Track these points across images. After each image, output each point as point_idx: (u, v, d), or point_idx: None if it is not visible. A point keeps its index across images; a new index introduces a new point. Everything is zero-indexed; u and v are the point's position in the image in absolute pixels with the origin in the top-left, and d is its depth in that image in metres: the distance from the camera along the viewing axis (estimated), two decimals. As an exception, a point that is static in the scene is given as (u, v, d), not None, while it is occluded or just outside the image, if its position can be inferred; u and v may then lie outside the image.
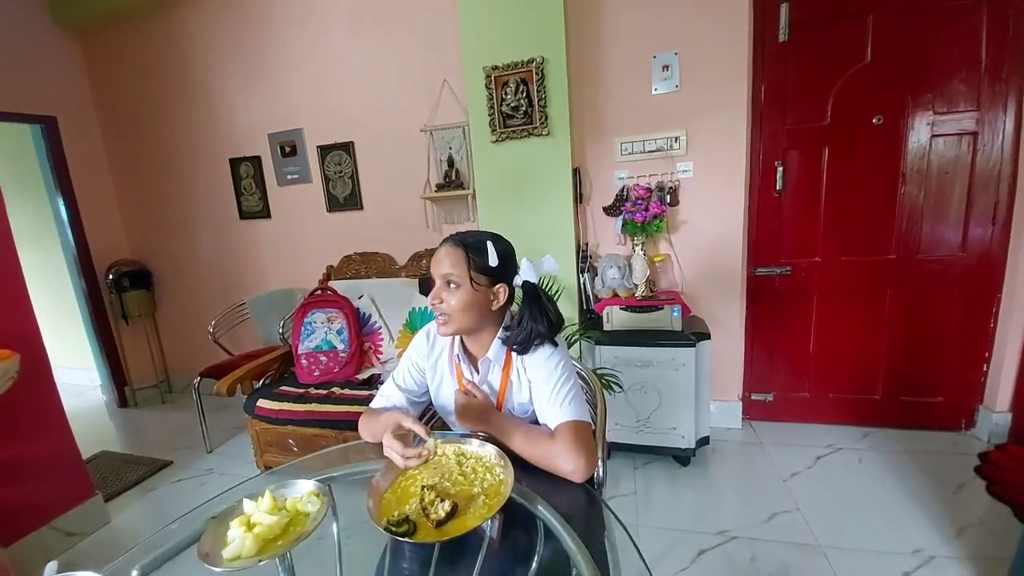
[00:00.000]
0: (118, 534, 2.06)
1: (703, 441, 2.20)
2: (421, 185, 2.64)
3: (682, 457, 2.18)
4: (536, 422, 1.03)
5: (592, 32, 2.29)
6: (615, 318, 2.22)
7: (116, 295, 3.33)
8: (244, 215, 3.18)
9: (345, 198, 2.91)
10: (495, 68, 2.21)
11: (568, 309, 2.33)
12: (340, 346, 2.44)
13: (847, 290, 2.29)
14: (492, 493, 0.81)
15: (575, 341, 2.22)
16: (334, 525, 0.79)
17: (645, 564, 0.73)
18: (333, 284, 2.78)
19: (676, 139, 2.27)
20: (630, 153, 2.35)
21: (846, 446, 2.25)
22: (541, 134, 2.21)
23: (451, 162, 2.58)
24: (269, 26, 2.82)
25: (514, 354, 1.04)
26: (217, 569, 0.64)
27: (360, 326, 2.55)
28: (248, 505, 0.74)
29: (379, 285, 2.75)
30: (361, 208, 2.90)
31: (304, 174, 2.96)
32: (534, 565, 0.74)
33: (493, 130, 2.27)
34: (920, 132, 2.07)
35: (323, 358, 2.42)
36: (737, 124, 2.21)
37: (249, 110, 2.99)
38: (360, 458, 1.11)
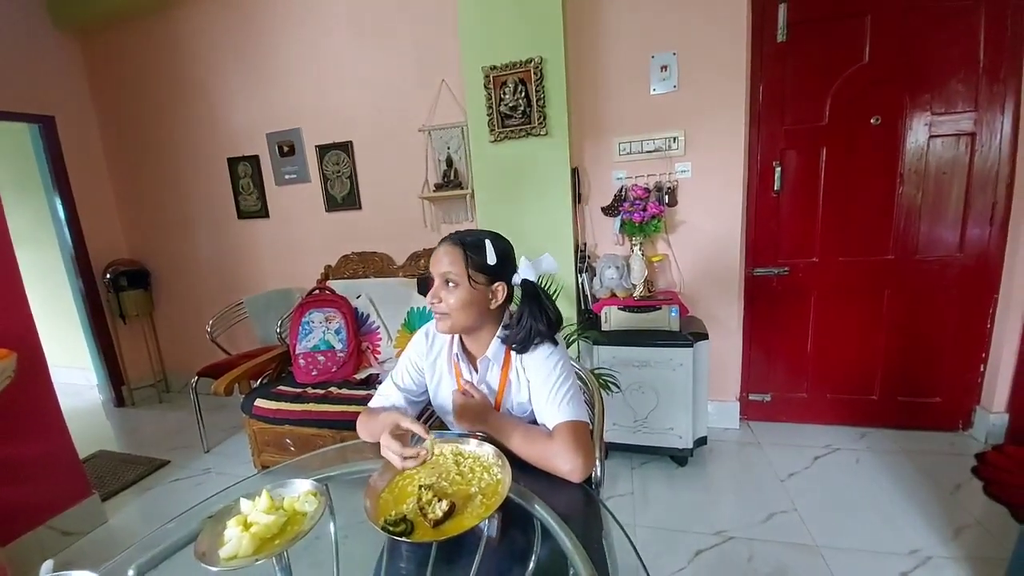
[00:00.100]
0: (115, 533, 2.06)
1: (701, 441, 2.20)
2: (419, 185, 2.64)
3: (679, 457, 2.18)
4: (535, 422, 1.03)
5: (591, 32, 2.29)
6: (613, 318, 2.22)
7: (114, 294, 3.33)
8: (242, 215, 3.18)
9: (343, 198, 2.91)
10: (494, 68, 2.21)
11: (566, 309, 2.33)
12: (338, 346, 2.44)
13: (845, 290, 2.30)
14: (490, 493, 0.81)
15: (573, 341, 2.22)
16: (331, 525, 0.79)
17: (642, 564, 0.73)
18: (331, 284, 2.77)
19: (674, 139, 2.28)
20: (628, 153, 2.35)
21: (843, 446, 2.25)
22: (539, 134, 2.21)
23: (450, 162, 2.58)
24: (268, 26, 2.81)
25: (513, 353, 1.04)
26: (214, 568, 0.64)
27: (358, 326, 2.55)
28: (245, 504, 0.74)
29: (377, 285, 2.74)
30: (359, 208, 2.90)
31: (302, 174, 2.95)
32: (531, 565, 0.74)
33: (491, 130, 2.27)
34: (918, 132, 2.07)
35: (321, 358, 2.42)
36: (735, 124, 2.21)
37: (248, 110, 2.98)
38: (358, 457, 1.11)
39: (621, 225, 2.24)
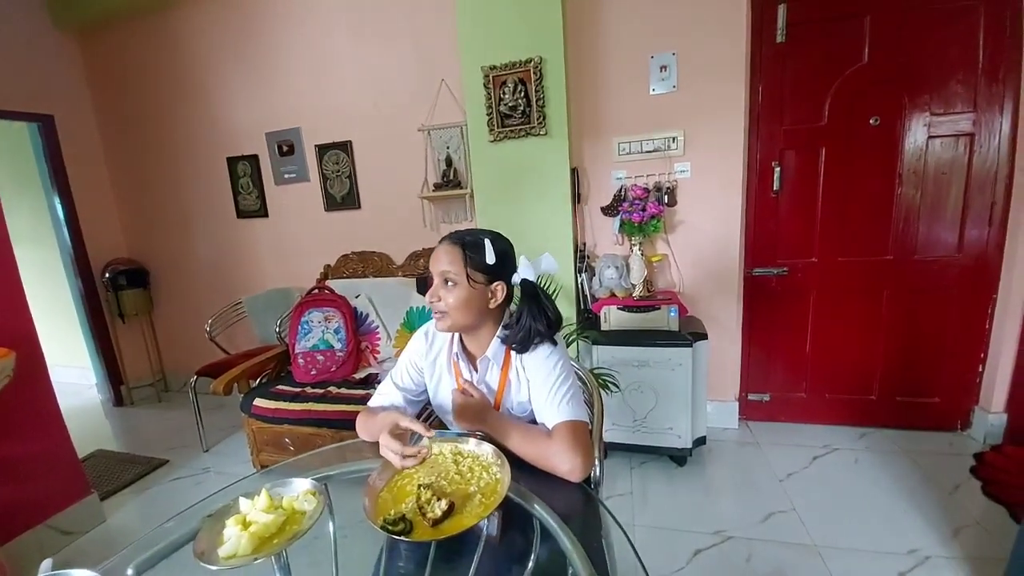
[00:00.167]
0: (114, 533, 2.06)
1: (700, 441, 2.21)
2: (419, 185, 2.63)
3: (679, 457, 2.18)
4: (535, 421, 1.03)
5: (590, 32, 2.29)
6: (612, 318, 2.22)
7: (113, 294, 3.32)
8: (241, 214, 3.17)
9: (343, 197, 2.91)
10: (493, 68, 2.21)
11: (566, 309, 2.33)
12: (337, 345, 2.44)
13: (844, 290, 2.30)
14: (489, 492, 0.81)
15: (572, 341, 2.22)
16: (330, 524, 0.78)
17: (641, 564, 0.73)
18: (330, 283, 2.77)
19: (674, 139, 2.28)
20: (628, 153, 2.35)
21: (842, 446, 2.25)
22: (539, 134, 2.22)
23: (449, 162, 2.58)
24: (268, 26, 2.81)
25: (513, 353, 1.04)
26: (213, 567, 0.64)
27: (357, 325, 2.55)
28: (244, 503, 0.74)
29: (376, 284, 2.74)
30: (359, 207, 2.89)
31: (302, 173, 2.95)
32: (530, 564, 0.74)
33: (491, 130, 2.27)
34: (917, 133, 2.08)
35: (320, 357, 2.41)
36: (735, 125, 2.21)
37: (247, 109, 2.98)
38: (357, 457, 1.11)
39: (620, 225, 2.24)
